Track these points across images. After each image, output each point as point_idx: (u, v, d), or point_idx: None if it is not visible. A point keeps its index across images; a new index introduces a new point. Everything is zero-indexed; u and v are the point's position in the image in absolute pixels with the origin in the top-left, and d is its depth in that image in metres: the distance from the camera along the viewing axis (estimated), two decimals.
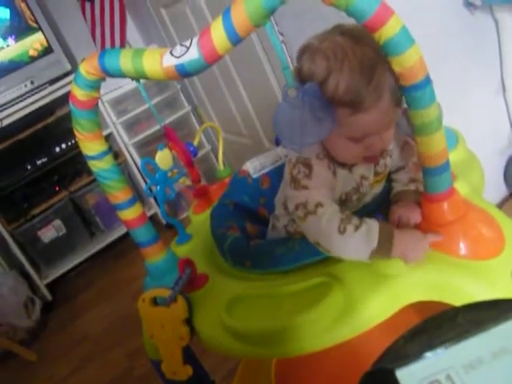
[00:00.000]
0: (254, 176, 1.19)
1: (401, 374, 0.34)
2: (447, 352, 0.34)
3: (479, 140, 1.30)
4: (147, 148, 3.10)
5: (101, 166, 0.92)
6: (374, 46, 0.73)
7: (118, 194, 0.95)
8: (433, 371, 0.33)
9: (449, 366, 0.33)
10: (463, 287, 0.77)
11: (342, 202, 0.96)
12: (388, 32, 0.66)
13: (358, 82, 0.79)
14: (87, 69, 0.80)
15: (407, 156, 0.98)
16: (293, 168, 0.92)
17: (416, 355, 0.34)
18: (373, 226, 0.82)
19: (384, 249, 0.81)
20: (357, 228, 0.82)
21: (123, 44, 3.12)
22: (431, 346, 0.35)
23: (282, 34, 1.82)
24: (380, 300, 0.79)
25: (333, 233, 0.83)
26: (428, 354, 0.34)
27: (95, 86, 0.83)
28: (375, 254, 0.81)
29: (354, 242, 0.82)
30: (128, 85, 2.90)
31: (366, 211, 0.95)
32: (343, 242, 0.83)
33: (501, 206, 1.92)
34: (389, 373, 0.34)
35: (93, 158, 0.91)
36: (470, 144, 1.11)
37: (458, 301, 0.76)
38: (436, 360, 0.34)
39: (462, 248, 0.80)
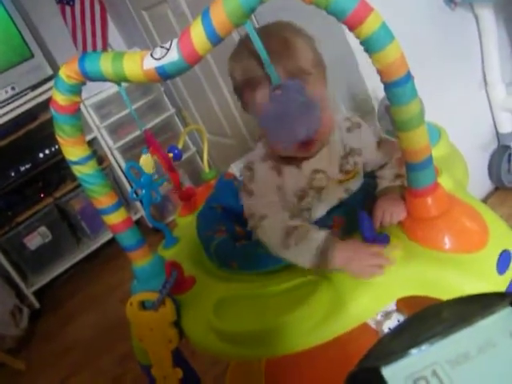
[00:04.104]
0: (240, 178, 1.19)
1: (386, 371, 0.34)
2: (433, 348, 0.34)
3: (463, 135, 1.31)
4: (132, 151, 3.08)
5: (84, 171, 0.91)
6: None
7: (103, 198, 0.94)
8: (419, 368, 0.33)
9: (434, 361, 0.33)
10: (449, 281, 0.77)
11: (301, 198, 0.97)
12: (368, 29, 0.67)
13: (249, 62, 0.85)
14: (67, 73, 0.80)
15: (387, 153, 0.99)
16: (242, 173, 0.97)
17: (401, 352, 0.34)
18: (313, 242, 0.85)
19: (323, 263, 0.83)
20: (296, 244, 0.86)
21: (105, 47, 3.10)
22: (416, 343, 0.35)
23: None
24: (367, 296, 0.79)
25: (277, 246, 0.89)
26: (413, 351, 0.34)
27: (76, 90, 0.82)
28: (316, 267, 0.84)
29: (295, 256, 0.87)
30: (111, 88, 2.88)
31: (348, 208, 0.95)
32: (286, 254, 0.88)
33: (485, 200, 1.93)
34: (374, 371, 0.34)
35: (76, 163, 0.90)
36: (454, 139, 1.11)
37: (444, 295, 0.76)
38: (421, 356, 0.34)
39: (447, 242, 0.80)
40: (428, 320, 0.38)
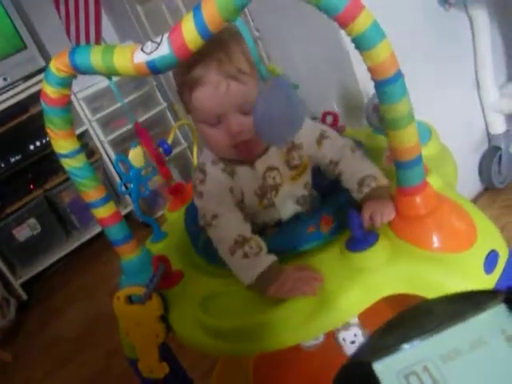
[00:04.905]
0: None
1: (378, 366, 0.33)
2: (424, 343, 0.34)
3: (454, 135, 1.31)
4: (123, 145, 3.07)
5: (73, 165, 0.91)
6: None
7: (91, 192, 0.94)
8: (410, 363, 0.33)
9: (426, 357, 0.33)
10: (437, 280, 0.77)
11: (262, 196, 0.98)
12: (359, 27, 0.67)
13: (188, 64, 0.84)
14: (57, 66, 0.79)
15: (326, 151, 0.99)
16: (194, 174, 0.98)
17: (393, 347, 0.34)
18: (257, 266, 0.85)
19: (257, 289, 0.85)
20: (243, 257, 0.86)
21: (98, 40, 3.07)
22: (408, 338, 0.34)
23: (257, 30, 1.82)
24: (355, 293, 0.80)
25: (225, 249, 0.89)
26: (405, 346, 0.34)
27: (66, 83, 0.82)
28: (250, 289, 0.86)
29: (237, 268, 0.88)
30: (103, 81, 2.87)
31: (336, 206, 0.94)
32: (229, 261, 0.89)
33: (475, 200, 1.94)
34: (366, 366, 0.34)
35: (65, 156, 0.90)
36: (445, 139, 1.11)
37: (431, 294, 0.76)
38: (413, 352, 0.34)
39: (435, 241, 0.80)
40: (420, 316, 0.38)
